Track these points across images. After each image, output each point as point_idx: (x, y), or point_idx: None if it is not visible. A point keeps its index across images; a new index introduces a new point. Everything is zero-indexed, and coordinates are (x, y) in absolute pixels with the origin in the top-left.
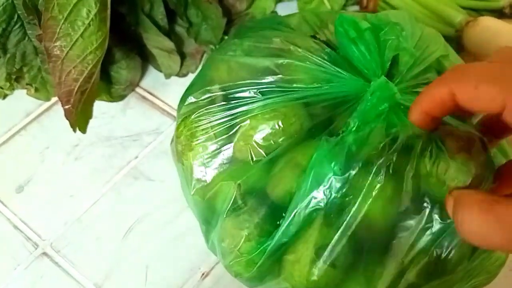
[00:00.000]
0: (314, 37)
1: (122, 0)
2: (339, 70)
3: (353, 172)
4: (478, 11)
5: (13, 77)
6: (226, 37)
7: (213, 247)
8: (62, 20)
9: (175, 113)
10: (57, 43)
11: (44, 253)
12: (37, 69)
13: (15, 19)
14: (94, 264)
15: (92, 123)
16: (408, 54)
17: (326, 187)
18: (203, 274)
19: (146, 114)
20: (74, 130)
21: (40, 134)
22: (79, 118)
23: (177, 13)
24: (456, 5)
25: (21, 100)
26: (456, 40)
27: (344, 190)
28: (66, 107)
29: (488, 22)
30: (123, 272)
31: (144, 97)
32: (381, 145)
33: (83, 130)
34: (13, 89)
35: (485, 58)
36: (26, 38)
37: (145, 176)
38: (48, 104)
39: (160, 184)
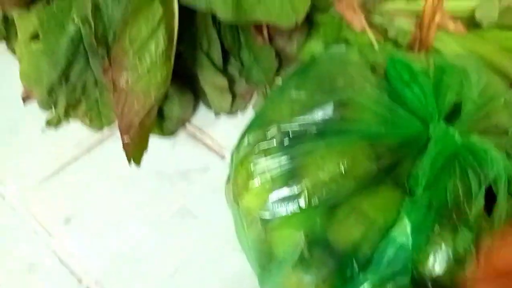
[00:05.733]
0: (373, 69)
1: (181, 39)
2: (400, 110)
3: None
4: None
5: (70, 106)
6: (276, 79)
7: None
8: (132, 53)
9: (223, 151)
10: (124, 75)
11: None
12: (95, 101)
13: (80, 51)
14: None
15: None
16: (471, 102)
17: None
18: None
19: (194, 151)
20: (130, 163)
21: (90, 165)
22: (135, 151)
23: (231, 54)
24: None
25: (73, 130)
26: None
27: (422, 253)
28: (125, 139)
29: None
30: None
31: (193, 134)
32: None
33: (138, 163)
34: (69, 118)
35: None
36: (89, 70)
37: (192, 214)
38: (99, 135)
39: (207, 222)
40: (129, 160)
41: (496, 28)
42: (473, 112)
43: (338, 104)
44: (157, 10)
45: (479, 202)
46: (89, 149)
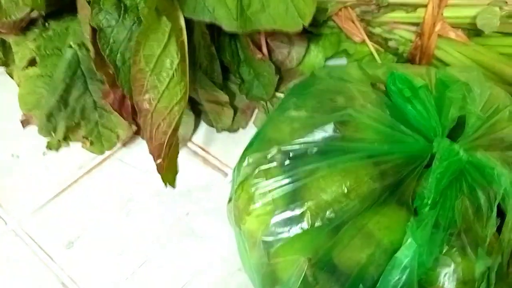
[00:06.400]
0: (373, 85)
1: None
2: (402, 127)
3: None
4: None
5: (70, 130)
6: (276, 94)
7: None
8: (149, 72)
9: (225, 169)
10: (146, 96)
11: None
12: (94, 123)
13: (78, 75)
14: None
15: (143, 178)
16: (475, 116)
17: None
18: None
19: (197, 169)
20: (166, 185)
21: (92, 188)
22: (168, 174)
23: (230, 70)
24: None
25: (74, 153)
26: None
27: (431, 273)
28: (158, 161)
29: None
30: None
31: (195, 152)
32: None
33: (173, 185)
34: (70, 142)
35: None
36: (87, 93)
37: (196, 233)
38: (100, 158)
39: (210, 242)
40: (164, 183)
41: (498, 35)
42: (477, 127)
43: (339, 122)
44: (166, 26)
45: (493, 220)
46: (90, 171)
